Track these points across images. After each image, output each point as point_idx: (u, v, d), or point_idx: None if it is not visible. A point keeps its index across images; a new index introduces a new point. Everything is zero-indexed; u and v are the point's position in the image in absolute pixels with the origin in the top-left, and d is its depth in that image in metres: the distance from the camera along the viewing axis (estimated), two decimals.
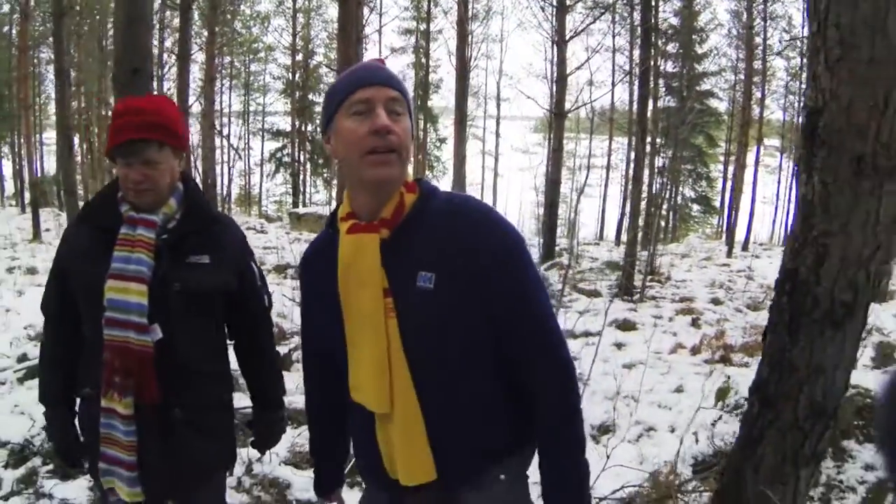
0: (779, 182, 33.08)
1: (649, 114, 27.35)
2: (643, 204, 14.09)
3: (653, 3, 14.58)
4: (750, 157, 27.38)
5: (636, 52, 22.19)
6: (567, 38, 15.61)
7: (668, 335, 8.68)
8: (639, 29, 19.09)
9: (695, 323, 9.54)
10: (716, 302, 11.68)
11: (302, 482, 4.00)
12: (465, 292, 1.55)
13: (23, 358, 5.83)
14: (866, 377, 5.36)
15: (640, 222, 13.43)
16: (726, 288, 13.29)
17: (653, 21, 14.52)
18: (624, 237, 21.37)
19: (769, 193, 32.89)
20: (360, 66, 1.64)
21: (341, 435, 1.95)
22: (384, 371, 1.56)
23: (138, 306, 2.03)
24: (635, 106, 13.86)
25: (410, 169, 1.52)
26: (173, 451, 2.14)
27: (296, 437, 4.55)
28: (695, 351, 7.79)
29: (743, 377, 5.40)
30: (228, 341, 2.39)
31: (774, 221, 33.46)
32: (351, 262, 1.58)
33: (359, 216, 1.62)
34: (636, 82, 14.81)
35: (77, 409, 2.25)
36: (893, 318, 10.63)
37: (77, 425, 2.24)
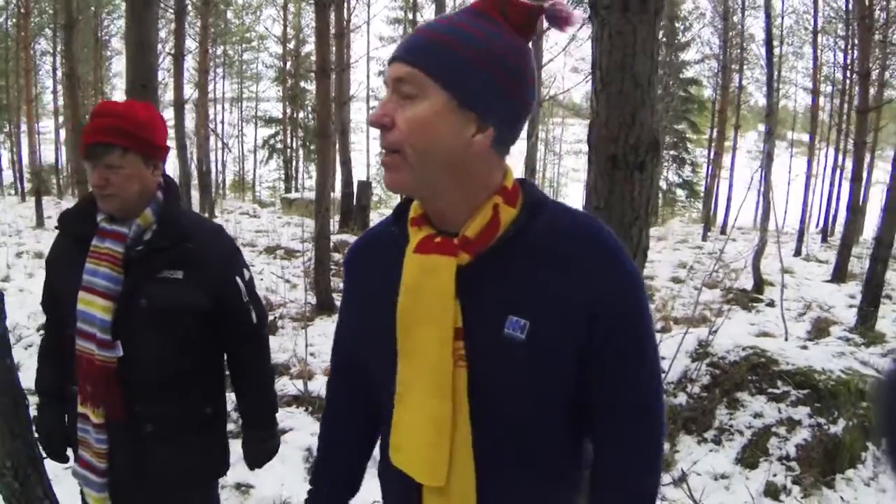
0: (766, 167, 33.67)
1: None
2: None
3: None
4: (742, 143, 28.06)
5: None
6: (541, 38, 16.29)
7: None
8: None
9: (649, 298, 10.35)
10: (675, 280, 12.52)
11: (279, 415, 4.87)
12: (562, 345, 1.22)
13: (41, 328, 6.65)
14: (775, 344, 6.18)
15: None
16: (689, 268, 14.10)
17: None
18: None
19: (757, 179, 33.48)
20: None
21: (361, 468, 1.61)
22: (445, 435, 1.23)
23: (101, 322, 1.98)
24: None
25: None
26: (143, 465, 2.10)
27: (276, 383, 5.49)
28: None
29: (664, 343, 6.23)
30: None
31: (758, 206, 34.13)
32: (415, 289, 1.24)
33: (433, 223, 1.28)
34: None
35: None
36: (846, 297, 11.52)
37: (66, 418, 2.21)
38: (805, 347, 6.37)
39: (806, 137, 28.05)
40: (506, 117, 1.21)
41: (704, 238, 21.92)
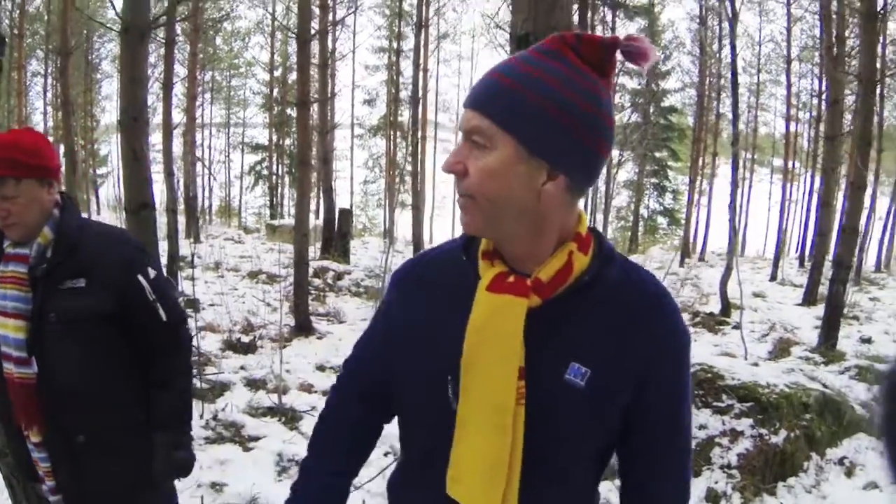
0: (732, 194, 33.92)
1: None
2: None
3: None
4: (722, 171, 28.35)
5: None
6: None
7: None
8: None
9: None
10: None
11: (253, 423, 5.43)
12: (616, 398, 1.26)
13: None
14: (727, 361, 6.45)
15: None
16: None
17: None
18: None
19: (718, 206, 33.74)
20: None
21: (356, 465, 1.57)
22: (503, 470, 1.25)
23: (15, 341, 2.06)
24: None
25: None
26: (84, 477, 2.15)
27: (253, 396, 6.04)
28: None
29: None
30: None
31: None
32: (484, 328, 1.24)
33: (505, 260, 1.28)
34: None
35: None
36: (813, 319, 11.83)
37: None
38: (756, 365, 6.65)
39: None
40: (578, 164, 1.18)
41: (682, 264, 22.13)
